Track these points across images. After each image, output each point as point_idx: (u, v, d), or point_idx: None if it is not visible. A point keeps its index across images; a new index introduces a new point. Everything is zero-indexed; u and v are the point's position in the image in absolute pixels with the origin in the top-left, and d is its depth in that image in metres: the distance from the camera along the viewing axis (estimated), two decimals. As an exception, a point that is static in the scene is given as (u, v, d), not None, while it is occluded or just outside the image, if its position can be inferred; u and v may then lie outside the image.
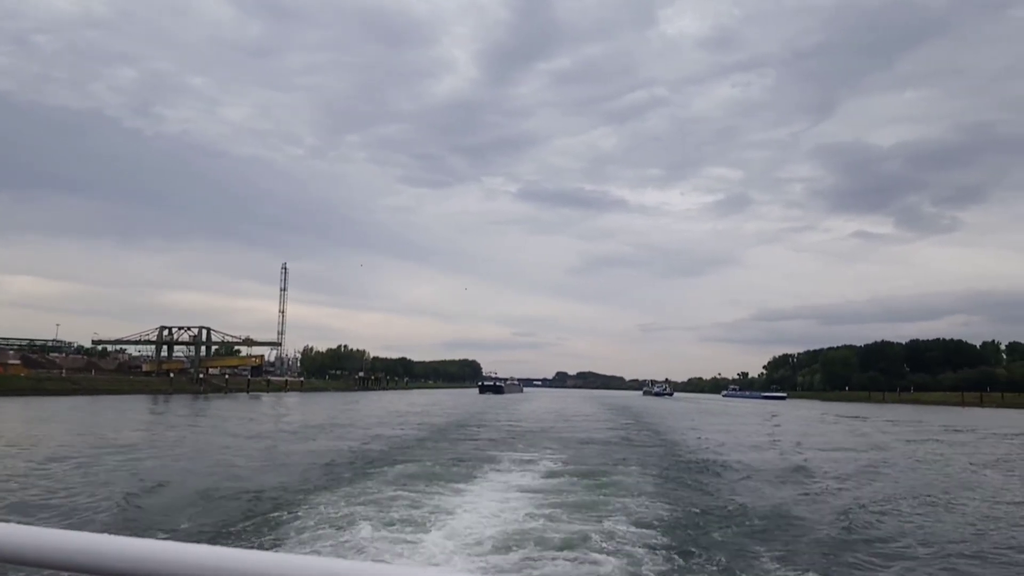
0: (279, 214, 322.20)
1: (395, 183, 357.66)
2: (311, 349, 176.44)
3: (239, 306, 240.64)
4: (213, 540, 10.72)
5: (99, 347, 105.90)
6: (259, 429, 34.71)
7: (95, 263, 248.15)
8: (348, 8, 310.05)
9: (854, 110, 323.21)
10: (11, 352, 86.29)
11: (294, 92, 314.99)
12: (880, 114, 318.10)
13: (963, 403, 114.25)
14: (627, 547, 10.91)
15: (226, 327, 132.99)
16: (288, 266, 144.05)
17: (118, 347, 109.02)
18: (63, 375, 78.85)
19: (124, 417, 41.18)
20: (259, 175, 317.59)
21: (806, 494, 17.21)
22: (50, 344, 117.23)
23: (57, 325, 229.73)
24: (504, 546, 10.76)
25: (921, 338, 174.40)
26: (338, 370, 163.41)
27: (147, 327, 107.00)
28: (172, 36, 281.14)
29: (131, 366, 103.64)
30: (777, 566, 10.48)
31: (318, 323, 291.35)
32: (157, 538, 1.53)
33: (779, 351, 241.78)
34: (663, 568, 10.03)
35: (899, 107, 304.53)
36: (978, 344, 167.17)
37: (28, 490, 15.25)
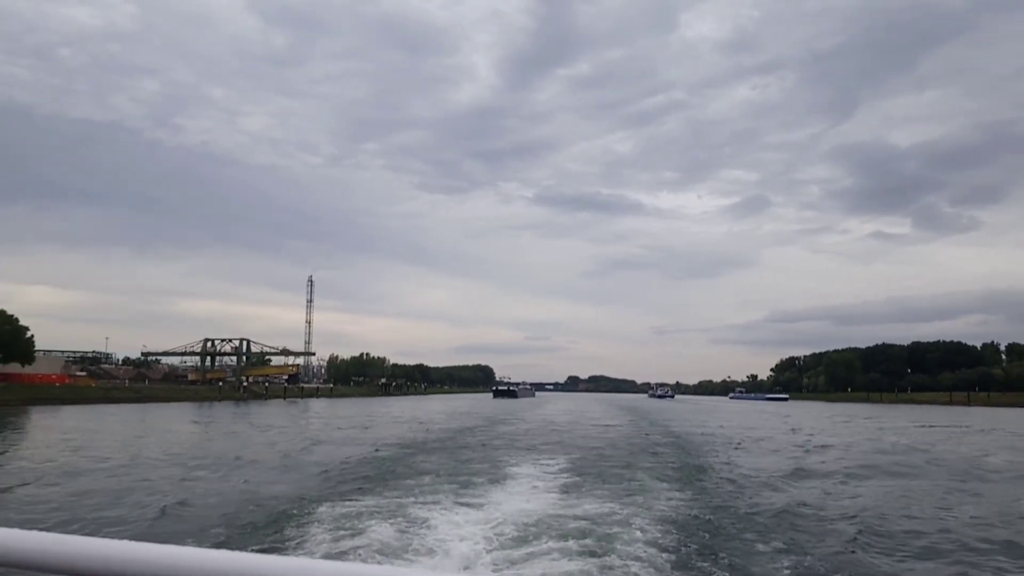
0: (294, 222, 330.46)
1: (411, 189, 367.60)
2: (336, 357, 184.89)
3: (253, 313, 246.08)
4: (245, 540, 11.65)
5: (148, 358, 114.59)
6: (310, 433, 38.72)
7: (110, 272, 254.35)
8: (370, 17, 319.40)
9: (873, 111, 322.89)
10: (74, 364, 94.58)
11: (313, 101, 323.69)
12: (899, 114, 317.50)
13: (951, 402, 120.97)
14: (640, 540, 11.71)
15: (240, 333, 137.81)
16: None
17: (153, 358, 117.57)
18: (126, 385, 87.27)
19: (211, 425, 49.33)
20: (275, 184, 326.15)
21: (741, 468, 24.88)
22: (98, 356, 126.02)
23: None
24: (519, 546, 11.18)
25: (931, 339, 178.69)
26: (361, 376, 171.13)
27: (168, 335, 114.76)
28: (194, 48, 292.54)
29: (176, 375, 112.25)
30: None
31: (332, 328, 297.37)
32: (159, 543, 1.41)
33: (793, 352, 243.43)
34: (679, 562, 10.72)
35: (919, 107, 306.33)
36: (979, 345, 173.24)
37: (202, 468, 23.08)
